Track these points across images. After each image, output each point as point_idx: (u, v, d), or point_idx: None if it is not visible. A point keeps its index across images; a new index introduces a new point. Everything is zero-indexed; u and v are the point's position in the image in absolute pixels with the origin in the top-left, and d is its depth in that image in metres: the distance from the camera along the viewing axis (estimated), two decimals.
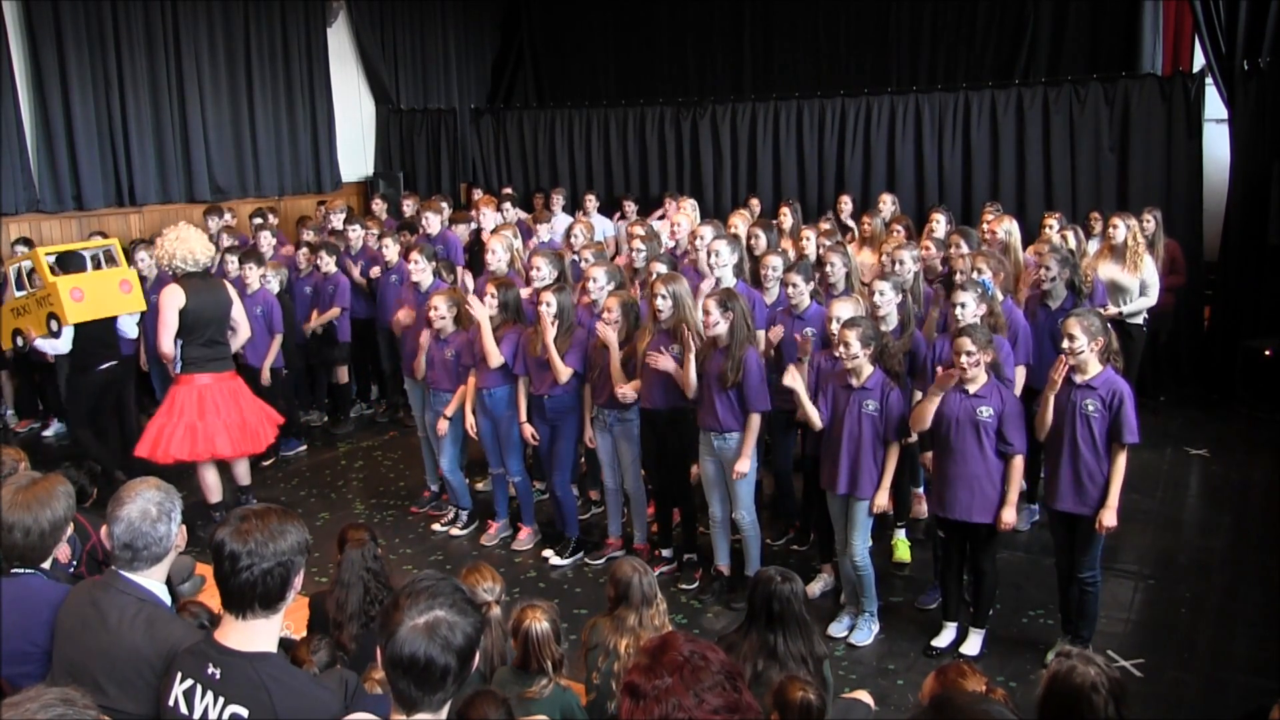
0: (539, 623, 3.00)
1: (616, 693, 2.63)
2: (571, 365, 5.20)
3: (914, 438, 4.53)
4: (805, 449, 5.16)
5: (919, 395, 4.81)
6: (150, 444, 5.51)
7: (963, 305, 4.57)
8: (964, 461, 4.20)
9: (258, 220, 8.21)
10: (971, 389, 4.20)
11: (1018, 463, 4.19)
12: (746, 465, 4.68)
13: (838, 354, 4.39)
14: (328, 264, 7.50)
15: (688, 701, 1.58)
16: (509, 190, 9.72)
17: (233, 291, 5.73)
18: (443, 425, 5.70)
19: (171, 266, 5.47)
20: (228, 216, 8.48)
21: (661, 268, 5.50)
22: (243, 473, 6.00)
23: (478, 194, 10.02)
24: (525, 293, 5.73)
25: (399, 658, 1.75)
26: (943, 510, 4.33)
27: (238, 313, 5.71)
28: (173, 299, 5.37)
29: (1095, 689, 2.27)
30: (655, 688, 1.60)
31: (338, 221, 8.33)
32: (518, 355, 5.37)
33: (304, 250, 7.76)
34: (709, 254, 5.53)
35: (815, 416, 4.49)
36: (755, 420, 4.64)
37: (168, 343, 5.43)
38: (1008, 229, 6.08)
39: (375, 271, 7.48)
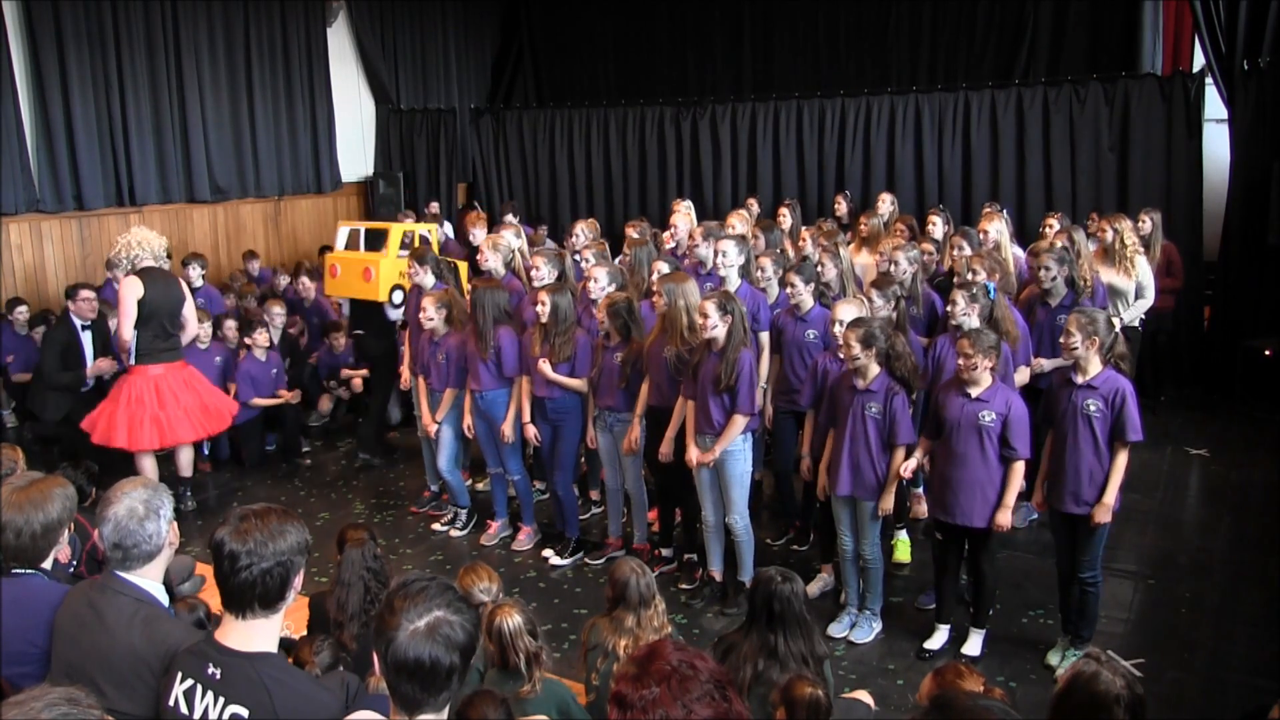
0: (510, 618, 2.97)
1: None
2: (581, 373, 5.21)
3: (909, 473, 4.53)
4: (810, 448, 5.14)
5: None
6: (106, 430, 5.71)
7: (954, 304, 4.57)
8: (965, 466, 4.19)
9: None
10: (974, 393, 4.18)
11: (1018, 467, 4.18)
12: (709, 457, 4.64)
13: (841, 355, 4.39)
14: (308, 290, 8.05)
15: (675, 713, 1.54)
16: (510, 216, 9.25)
17: (186, 289, 5.98)
18: (431, 427, 5.72)
19: (130, 259, 5.72)
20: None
21: (664, 267, 5.50)
22: (185, 463, 6.21)
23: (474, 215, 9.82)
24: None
25: (404, 662, 1.74)
26: (943, 514, 4.31)
27: (189, 310, 5.96)
28: (132, 289, 5.63)
29: (1117, 701, 2.24)
30: (642, 698, 1.56)
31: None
32: (519, 356, 5.37)
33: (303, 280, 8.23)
34: (717, 254, 5.51)
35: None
36: (739, 422, 4.59)
37: (128, 330, 5.69)
38: (999, 228, 6.08)
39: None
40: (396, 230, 7.04)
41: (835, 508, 4.63)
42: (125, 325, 5.67)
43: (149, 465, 5.87)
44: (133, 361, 5.81)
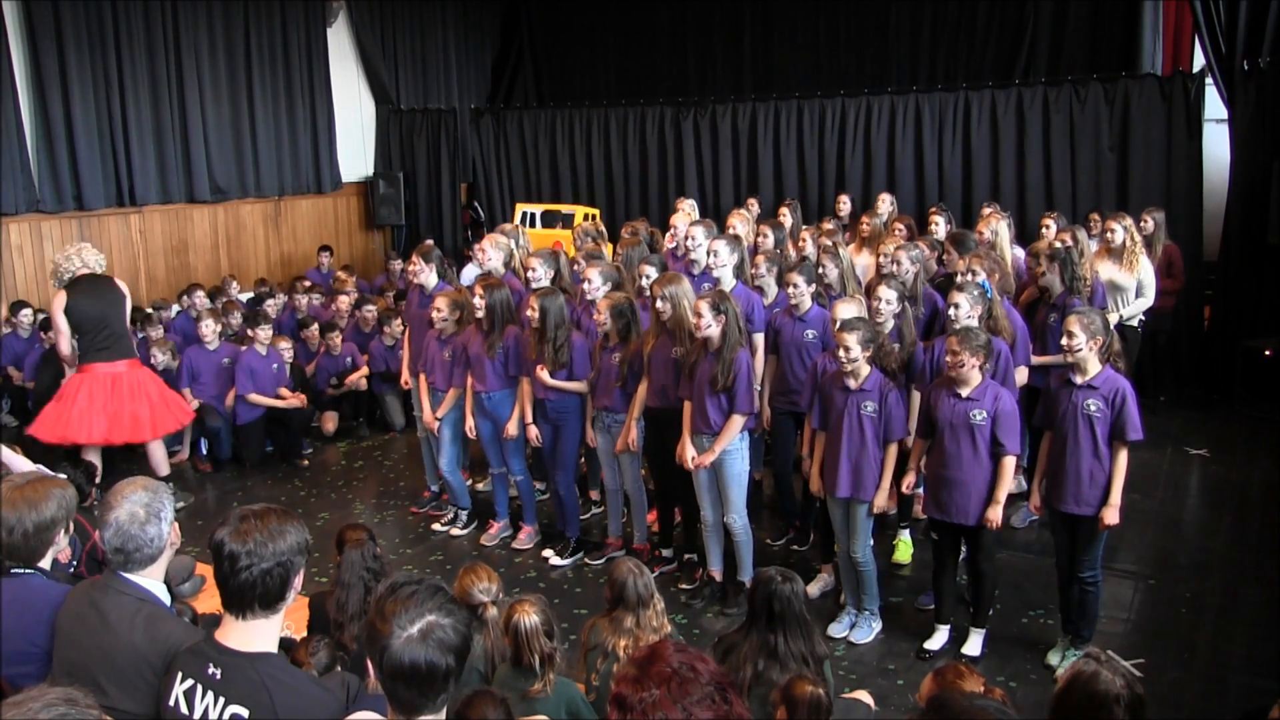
0: (528, 616, 2.99)
1: None
2: (579, 375, 5.21)
3: (909, 488, 4.56)
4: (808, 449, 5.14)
5: (916, 397, 4.82)
6: (58, 428, 5.77)
7: (956, 306, 4.57)
8: (959, 465, 4.19)
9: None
10: (964, 392, 4.19)
11: (1008, 462, 4.18)
12: (708, 459, 4.65)
13: (838, 356, 4.39)
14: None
15: (675, 715, 1.54)
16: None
17: (125, 290, 6.03)
18: (433, 425, 5.71)
19: (61, 275, 5.82)
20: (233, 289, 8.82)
21: (652, 270, 5.48)
22: (160, 461, 6.27)
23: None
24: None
25: (399, 668, 1.74)
26: (938, 512, 4.32)
27: (128, 313, 6.09)
28: (58, 305, 5.77)
29: (1117, 701, 2.25)
30: (642, 700, 1.57)
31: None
32: (520, 357, 5.37)
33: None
34: (709, 254, 5.50)
35: None
36: (737, 422, 4.60)
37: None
38: (995, 229, 6.08)
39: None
40: (579, 210, 8.32)
41: (831, 509, 4.63)
42: (61, 341, 5.85)
43: (94, 456, 5.94)
44: (80, 363, 5.90)
